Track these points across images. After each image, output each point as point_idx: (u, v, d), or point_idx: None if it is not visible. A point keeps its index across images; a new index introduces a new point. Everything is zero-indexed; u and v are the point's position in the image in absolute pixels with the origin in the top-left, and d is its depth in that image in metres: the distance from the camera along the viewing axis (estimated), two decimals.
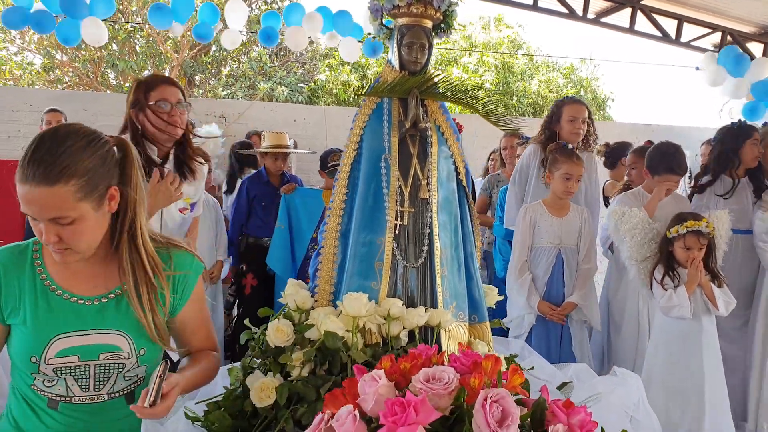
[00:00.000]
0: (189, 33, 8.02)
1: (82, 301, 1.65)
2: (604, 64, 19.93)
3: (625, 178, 4.37)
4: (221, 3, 11.21)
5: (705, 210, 3.69)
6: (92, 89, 14.07)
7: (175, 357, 2.06)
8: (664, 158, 3.71)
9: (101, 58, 14.05)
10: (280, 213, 4.64)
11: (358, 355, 2.05)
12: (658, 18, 8.23)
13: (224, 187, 5.86)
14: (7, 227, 5.92)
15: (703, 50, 8.40)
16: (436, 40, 2.52)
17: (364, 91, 2.34)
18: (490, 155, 6.14)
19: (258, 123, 7.25)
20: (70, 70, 14.66)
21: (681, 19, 8.25)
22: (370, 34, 6.77)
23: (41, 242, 1.59)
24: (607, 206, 4.61)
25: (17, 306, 1.63)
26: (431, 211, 2.31)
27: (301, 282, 2.39)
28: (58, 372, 1.61)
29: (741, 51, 7.94)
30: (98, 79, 14.53)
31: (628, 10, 8.12)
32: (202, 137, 4.77)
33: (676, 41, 8.45)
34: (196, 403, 2.19)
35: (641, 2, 7.99)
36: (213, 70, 15.91)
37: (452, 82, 2.35)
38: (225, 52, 15.11)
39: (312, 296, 2.32)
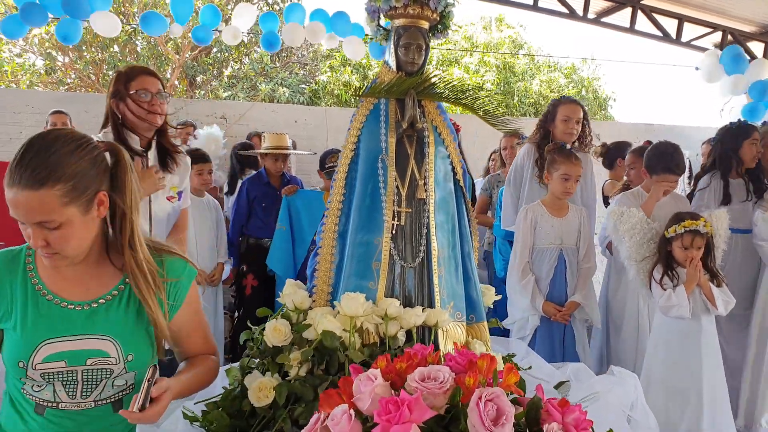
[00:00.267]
0: (190, 34, 8.04)
1: (72, 306, 1.63)
2: (605, 64, 19.94)
3: (625, 178, 4.37)
4: (221, 4, 11.24)
5: (705, 210, 3.69)
6: (94, 91, 14.10)
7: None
8: (662, 158, 3.71)
9: (103, 60, 14.08)
10: (281, 214, 4.65)
11: (355, 354, 2.06)
12: (659, 18, 8.22)
13: (225, 188, 5.88)
14: (9, 229, 5.95)
15: (704, 50, 8.39)
16: (433, 41, 2.54)
17: (361, 92, 2.35)
18: (490, 155, 6.14)
19: (259, 124, 7.25)
20: (72, 72, 14.69)
21: (681, 19, 8.23)
22: (367, 35, 6.77)
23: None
24: (606, 206, 4.61)
25: (9, 310, 1.62)
26: (428, 211, 2.32)
27: (299, 282, 2.40)
28: (46, 377, 1.60)
29: (742, 50, 7.94)
30: (100, 80, 14.56)
31: (628, 10, 8.11)
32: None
33: (677, 41, 8.44)
34: (195, 404, 2.20)
35: (641, 2, 7.98)
36: (215, 71, 15.93)
37: (449, 83, 2.35)
38: (227, 53, 15.13)
39: (310, 296, 2.33)
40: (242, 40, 8.99)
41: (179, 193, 3.10)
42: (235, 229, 4.93)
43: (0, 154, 6.67)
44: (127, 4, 13.46)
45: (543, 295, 3.59)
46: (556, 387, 2.24)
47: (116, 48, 14.25)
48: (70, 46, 13.33)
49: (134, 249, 1.65)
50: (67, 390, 1.63)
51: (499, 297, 2.69)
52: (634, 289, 3.86)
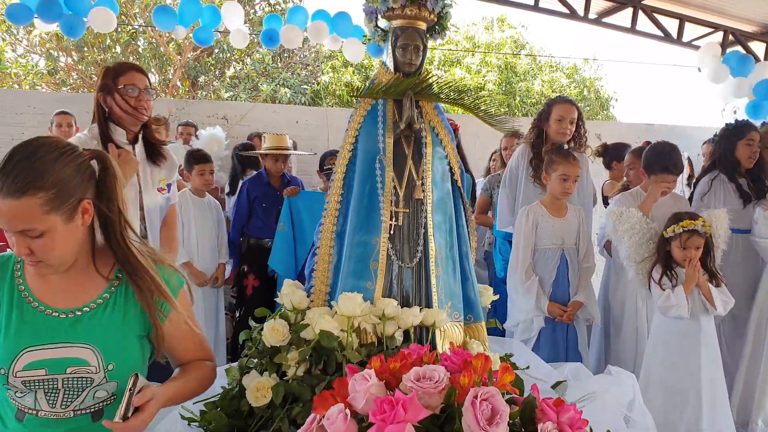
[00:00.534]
0: (191, 35, 8.05)
1: (57, 314, 1.62)
2: (607, 64, 19.92)
3: (624, 178, 4.37)
4: (220, 5, 11.26)
5: (704, 210, 3.69)
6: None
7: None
8: (659, 158, 3.71)
9: (104, 61, 14.09)
10: (283, 215, 4.65)
11: (352, 354, 2.07)
12: (660, 18, 8.21)
13: (227, 189, 5.89)
14: None
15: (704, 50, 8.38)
16: (430, 42, 2.54)
17: (359, 92, 2.35)
18: (491, 155, 6.14)
19: (260, 125, 7.26)
20: (74, 72, 14.72)
21: (683, 19, 8.23)
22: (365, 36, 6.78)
23: None
24: (606, 206, 4.61)
25: None
26: (426, 211, 2.33)
27: (297, 282, 2.41)
28: (28, 385, 1.59)
29: (746, 53, 7.94)
30: None
31: (629, 10, 8.10)
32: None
33: (678, 41, 8.43)
34: (193, 403, 2.21)
35: (642, 2, 7.98)
36: (217, 72, 15.95)
37: (447, 84, 2.36)
38: (228, 54, 15.15)
39: (308, 296, 2.34)
40: None
41: (168, 186, 3.16)
42: (236, 230, 4.94)
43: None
44: (128, 5, 13.46)
45: (547, 295, 3.58)
46: (553, 387, 2.25)
47: (118, 49, 14.27)
48: (72, 48, 13.37)
49: (129, 250, 1.64)
50: (48, 398, 1.61)
51: (497, 297, 2.69)
52: (633, 289, 3.86)
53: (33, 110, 6.87)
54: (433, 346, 2.22)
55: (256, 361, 2.24)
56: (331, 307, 2.28)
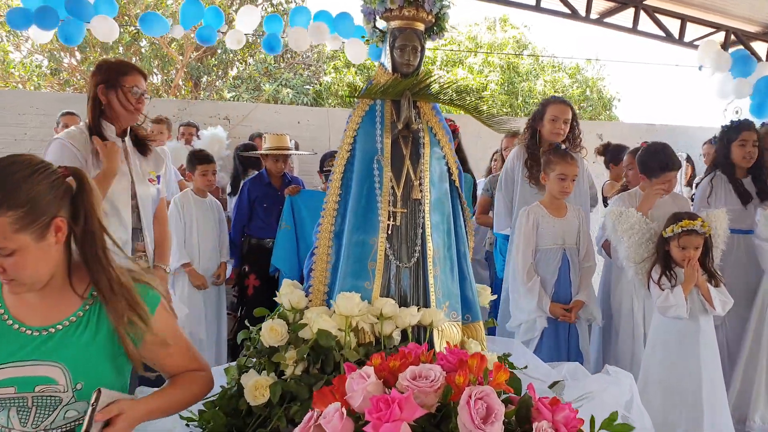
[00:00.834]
0: (193, 36, 8.08)
1: (30, 332, 1.60)
2: (609, 64, 19.91)
3: (623, 179, 4.38)
4: (227, 9, 11.28)
5: (703, 210, 3.69)
6: None
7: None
8: (656, 158, 3.71)
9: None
10: (285, 214, 4.67)
11: (350, 354, 2.08)
12: (662, 18, 8.20)
13: (228, 189, 5.91)
14: None
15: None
16: (429, 43, 2.55)
17: (358, 93, 2.37)
18: (492, 155, 6.14)
19: (262, 125, 7.27)
20: (77, 73, 14.76)
21: (684, 19, 8.21)
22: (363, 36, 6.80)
23: None
24: (606, 207, 4.62)
25: None
26: (424, 211, 2.34)
27: (296, 282, 2.43)
28: (0, 403, 1.57)
29: (748, 53, 7.94)
30: None
31: (631, 10, 8.09)
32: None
33: (680, 41, 8.42)
34: None
35: (644, 2, 7.97)
36: (220, 72, 15.97)
37: (444, 84, 2.37)
38: (231, 54, 15.18)
39: (306, 296, 2.35)
40: (247, 41, 9.01)
41: (158, 177, 3.24)
42: (237, 230, 4.95)
43: (5, 155, 6.72)
44: (130, 5, 13.49)
45: (549, 296, 3.58)
46: (551, 386, 2.25)
47: (121, 50, 14.30)
48: (75, 48, 13.40)
49: (105, 269, 1.61)
50: (20, 416, 1.59)
51: (495, 297, 2.70)
52: (630, 290, 3.86)
53: (35, 111, 6.89)
54: (432, 346, 2.23)
55: (254, 360, 2.25)
56: (329, 306, 2.29)
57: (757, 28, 8.31)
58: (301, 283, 2.52)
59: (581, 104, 17.54)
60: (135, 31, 13.53)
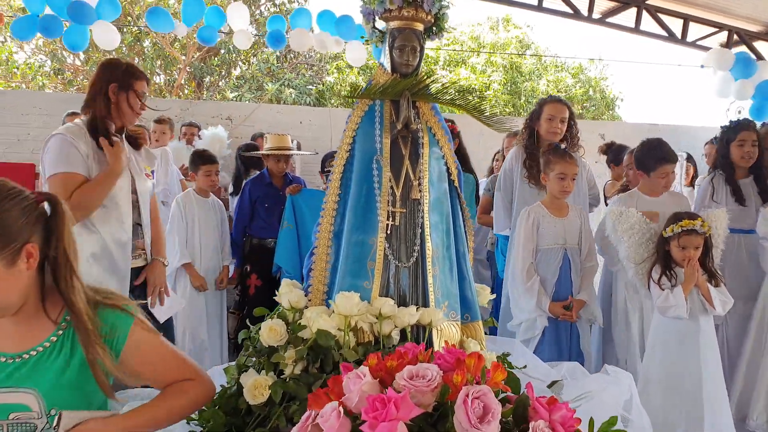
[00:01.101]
0: (195, 35, 8.10)
1: (5, 359, 1.59)
2: (612, 63, 19.87)
3: (624, 178, 4.38)
4: (225, 6, 11.31)
5: (703, 210, 3.69)
6: None
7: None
8: (652, 152, 3.73)
9: None
10: (287, 213, 4.68)
11: (349, 353, 2.08)
12: (664, 17, 8.20)
13: (230, 189, 5.93)
14: None
15: (709, 49, 8.37)
16: (431, 43, 2.56)
17: (357, 93, 2.37)
18: (494, 155, 6.15)
19: (264, 125, 7.28)
20: (81, 73, 14.80)
21: (687, 19, 8.22)
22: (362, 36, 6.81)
23: None
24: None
25: None
26: (423, 211, 2.35)
27: (295, 282, 2.43)
28: None
29: (750, 54, 7.94)
30: None
31: (633, 10, 8.10)
32: None
33: (682, 41, 8.42)
34: None
35: (647, 2, 7.97)
36: (223, 72, 16.00)
37: (443, 84, 2.38)
38: (234, 54, 15.20)
39: (306, 296, 2.36)
40: None
41: (152, 172, 3.37)
42: (238, 230, 4.97)
43: (8, 155, 6.76)
44: (132, 6, 13.52)
45: (549, 295, 3.58)
46: (549, 386, 2.26)
47: (124, 49, 14.34)
48: None
49: (73, 295, 1.60)
50: None
51: (494, 296, 2.70)
52: (622, 292, 3.87)
53: (38, 111, 6.92)
54: (431, 346, 2.23)
55: (254, 360, 2.26)
56: (328, 306, 2.30)
57: (759, 27, 8.30)
58: (302, 283, 2.52)
59: (584, 104, 17.53)
60: (138, 31, 13.56)
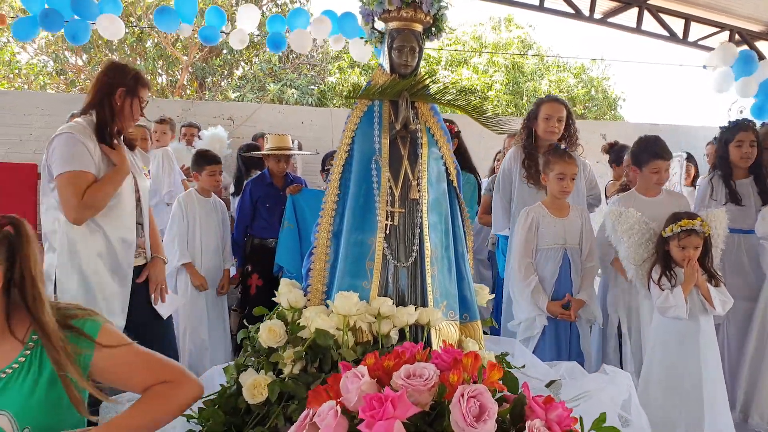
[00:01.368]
0: (196, 35, 8.12)
1: None
2: (614, 63, 19.87)
3: (624, 178, 4.38)
4: (230, 8, 11.32)
5: (703, 210, 3.69)
6: None
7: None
8: (646, 147, 3.73)
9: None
10: (287, 212, 4.69)
11: (348, 353, 2.09)
12: (666, 17, 8.20)
13: (232, 189, 5.95)
14: None
15: (711, 49, 8.36)
16: (433, 43, 2.57)
17: (356, 93, 2.38)
18: (495, 155, 6.16)
19: (266, 125, 7.30)
20: (83, 74, 14.83)
21: (688, 19, 8.21)
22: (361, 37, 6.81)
23: None
24: None
25: None
26: (421, 211, 2.36)
27: (294, 281, 2.44)
28: None
29: (753, 53, 7.93)
30: None
31: (635, 10, 8.10)
32: None
33: (684, 41, 8.42)
34: None
35: (648, 2, 7.97)
36: (225, 72, 16.02)
37: (442, 85, 2.39)
38: (237, 55, 15.22)
39: (305, 295, 2.37)
40: (251, 41, 9.06)
41: (149, 171, 3.42)
42: (240, 230, 4.98)
43: (10, 156, 6.78)
44: (133, 6, 13.54)
45: (548, 295, 3.58)
46: (547, 385, 2.26)
47: (126, 50, 14.36)
48: (80, 48, 13.47)
49: (42, 320, 1.61)
50: None
51: (493, 296, 2.71)
52: (615, 294, 3.87)
53: (41, 111, 6.94)
54: (429, 345, 2.24)
55: (254, 359, 2.27)
56: (327, 306, 2.31)
57: (761, 27, 8.30)
58: (302, 282, 2.53)
59: (586, 104, 17.53)
60: (140, 31, 13.57)
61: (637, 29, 8.29)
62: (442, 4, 2.42)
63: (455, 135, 4.44)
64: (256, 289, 4.86)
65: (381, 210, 2.32)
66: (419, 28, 2.44)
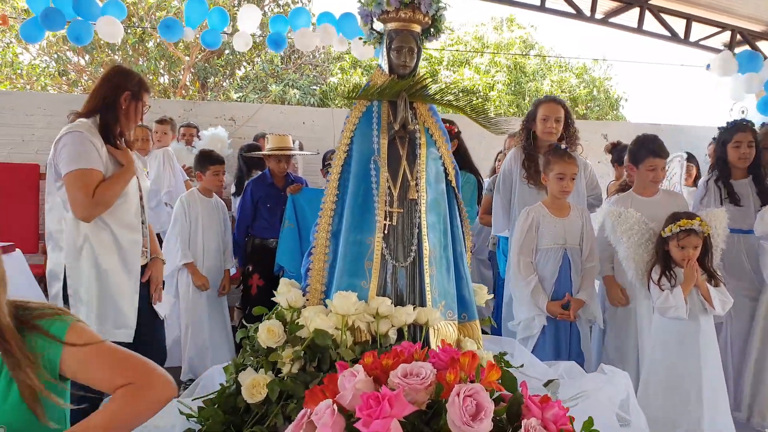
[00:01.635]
0: (198, 37, 8.14)
1: None
2: (617, 64, 19.86)
3: (624, 177, 4.38)
4: (231, 9, 11.33)
5: (703, 209, 3.69)
6: None
7: None
8: (643, 145, 3.75)
9: (114, 62, 14.21)
10: (288, 212, 4.70)
11: (346, 352, 2.10)
12: (667, 17, 8.20)
13: (233, 189, 5.96)
14: (22, 233, 6.04)
15: (712, 49, 8.36)
16: (435, 43, 2.58)
17: (355, 94, 2.39)
18: (497, 155, 6.17)
19: (267, 125, 7.31)
20: (85, 74, 14.85)
21: (690, 19, 8.22)
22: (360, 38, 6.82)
23: None
24: None
25: None
26: (420, 211, 2.36)
27: (293, 281, 2.45)
28: None
29: (753, 51, 7.93)
30: None
31: (636, 10, 8.10)
32: None
33: (685, 41, 8.42)
34: (192, 400, 2.26)
35: (649, 2, 7.97)
36: (227, 73, 16.03)
37: (441, 86, 2.39)
38: (238, 55, 15.23)
39: (303, 295, 2.38)
40: (254, 41, 9.08)
41: (147, 173, 3.49)
42: (241, 230, 4.99)
43: (12, 156, 6.80)
44: (135, 6, 13.56)
45: (548, 295, 3.59)
46: (545, 385, 2.27)
47: (129, 50, 14.38)
48: (82, 49, 13.49)
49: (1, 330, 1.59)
50: None
51: (492, 296, 2.72)
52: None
53: (43, 111, 6.96)
54: (428, 345, 2.25)
55: (252, 358, 2.28)
56: (326, 305, 2.31)
57: (762, 27, 8.29)
58: (301, 282, 2.54)
59: (588, 104, 17.52)
60: (141, 32, 13.59)
61: (639, 29, 8.29)
62: (440, 4, 2.43)
63: (455, 136, 4.45)
64: (257, 289, 4.87)
65: (379, 210, 2.33)
66: (418, 28, 2.45)
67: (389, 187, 2.35)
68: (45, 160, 6.66)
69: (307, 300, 2.38)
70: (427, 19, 2.43)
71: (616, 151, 5.38)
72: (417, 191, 2.36)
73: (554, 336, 3.60)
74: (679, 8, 8.10)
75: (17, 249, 4.42)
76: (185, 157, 6.10)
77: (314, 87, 15.67)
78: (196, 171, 4.82)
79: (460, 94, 2.41)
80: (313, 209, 4.58)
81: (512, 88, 16.71)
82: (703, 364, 3.27)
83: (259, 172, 5.29)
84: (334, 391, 1.62)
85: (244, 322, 2.39)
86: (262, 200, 4.90)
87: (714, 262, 3.40)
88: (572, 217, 3.68)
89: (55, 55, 14.32)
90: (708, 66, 8.14)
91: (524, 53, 17.37)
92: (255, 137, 6.63)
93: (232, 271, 5.03)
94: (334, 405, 1.54)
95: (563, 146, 4.00)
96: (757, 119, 7.22)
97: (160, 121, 5.91)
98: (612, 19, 8.41)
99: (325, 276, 2.40)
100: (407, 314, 2.21)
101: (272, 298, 2.41)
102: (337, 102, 15.00)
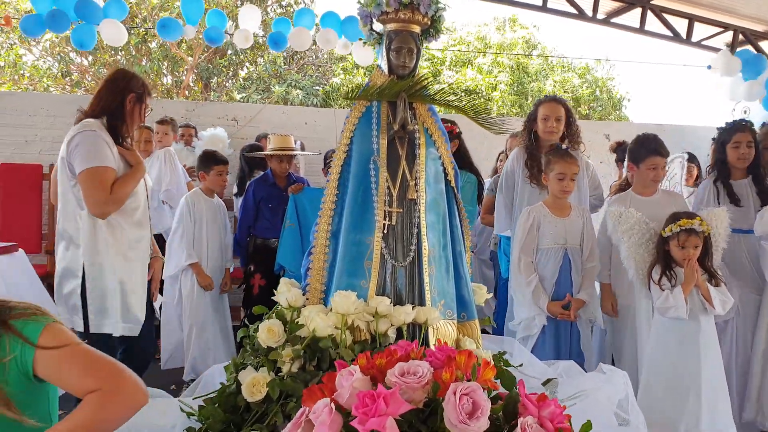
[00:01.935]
0: (201, 36, 8.17)
1: None
2: (619, 64, 19.83)
3: (624, 175, 4.38)
4: (231, 8, 11.34)
5: (704, 209, 3.69)
6: None
7: None
8: (644, 144, 3.75)
9: (116, 63, 14.25)
10: (289, 212, 4.70)
11: (345, 352, 2.11)
12: (669, 17, 8.19)
13: (235, 190, 5.97)
14: (24, 233, 6.07)
15: (715, 49, 8.35)
16: (437, 44, 2.59)
17: (354, 94, 2.40)
18: (498, 156, 6.18)
19: (270, 126, 7.32)
20: (88, 75, 14.89)
21: (692, 19, 8.20)
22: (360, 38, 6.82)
23: None
24: None
25: None
26: (419, 211, 2.38)
27: (293, 281, 2.46)
28: None
29: (755, 52, 7.92)
30: None
31: (638, 10, 8.09)
32: None
33: (687, 41, 8.41)
34: (193, 399, 2.27)
35: (651, 2, 7.96)
36: (230, 73, 16.06)
37: (440, 86, 2.40)
38: (241, 56, 15.25)
39: (303, 294, 2.39)
40: (256, 42, 9.10)
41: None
42: (243, 230, 5.00)
43: (15, 157, 6.82)
44: (138, 7, 13.59)
45: (549, 295, 3.59)
46: (544, 384, 2.28)
47: (131, 50, 14.41)
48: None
49: None
50: None
51: (491, 296, 2.73)
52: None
53: (46, 112, 6.97)
54: (427, 344, 2.26)
55: (252, 358, 2.29)
56: (326, 305, 2.33)
57: (765, 27, 8.28)
58: (301, 282, 2.56)
59: (591, 104, 17.51)
60: (144, 32, 13.62)
61: (641, 29, 8.27)
62: (439, 5, 2.44)
63: (456, 136, 4.46)
64: (258, 289, 4.89)
65: (379, 210, 2.34)
66: (417, 29, 2.46)
67: (388, 187, 2.36)
68: (48, 160, 6.65)
69: (307, 299, 2.39)
70: (426, 19, 2.44)
71: (620, 150, 5.38)
72: (416, 191, 2.37)
73: (554, 336, 3.61)
74: (681, 8, 8.09)
75: (20, 249, 4.45)
76: (185, 158, 6.12)
77: (317, 87, 15.68)
78: (199, 171, 4.84)
79: (462, 95, 2.42)
80: (315, 209, 4.56)
81: (515, 89, 16.70)
82: (703, 364, 3.27)
83: (261, 173, 5.30)
84: (332, 390, 1.63)
85: (246, 322, 2.40)
86: (264, 200, 4.91)
87: (714, 262, 3.40)
88: (573, 217, 3.69)
89: (58, 56, 14.35)
90: (709, 66, 8.14)
91: (527, 53, 17.36)
92: (257, 137, 6.64)
93: (231, 269, 5.05)
94: (332, 403, 1.56)
95: (565, 145, 4.00)
96: (761, 117, 7.23)
97: (161, 122, 5.93)
98: (614, 19, 8.40)
99: (324, 275, 2.41)
100: (406, 313, 2.22)
101: (272, 298, 2.43)
102: (339, 102, 15.02)
